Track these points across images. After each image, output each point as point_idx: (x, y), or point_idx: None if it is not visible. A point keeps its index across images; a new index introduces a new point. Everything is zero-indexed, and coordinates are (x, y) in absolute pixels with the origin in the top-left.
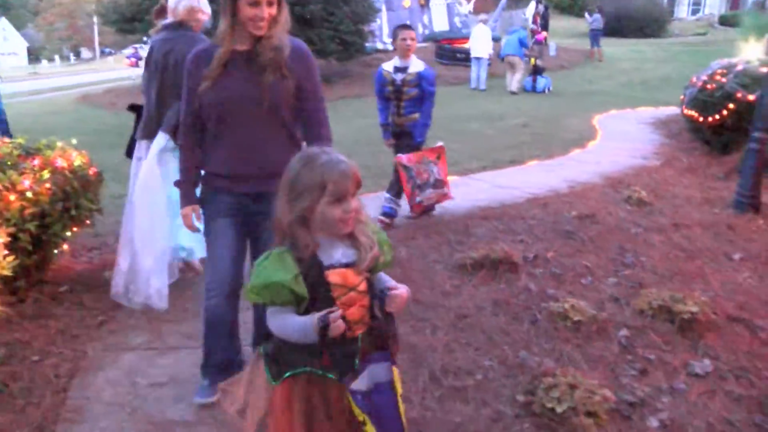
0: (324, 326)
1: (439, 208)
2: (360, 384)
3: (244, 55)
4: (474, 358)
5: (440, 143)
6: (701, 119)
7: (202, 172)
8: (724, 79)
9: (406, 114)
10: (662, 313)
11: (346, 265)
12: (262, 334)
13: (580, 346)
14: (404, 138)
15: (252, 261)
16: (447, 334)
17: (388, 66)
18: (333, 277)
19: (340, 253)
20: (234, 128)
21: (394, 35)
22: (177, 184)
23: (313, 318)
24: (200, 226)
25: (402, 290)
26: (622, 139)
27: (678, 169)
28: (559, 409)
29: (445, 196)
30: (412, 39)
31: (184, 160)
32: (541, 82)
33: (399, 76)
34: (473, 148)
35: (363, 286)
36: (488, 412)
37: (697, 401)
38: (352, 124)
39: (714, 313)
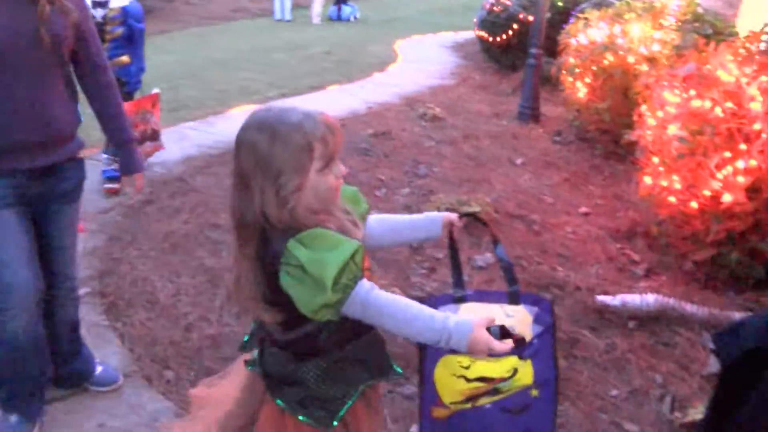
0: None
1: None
2: None
3: None
4: None
5: (156, 90)
6: (490, 40)
7: None
8: (508, 2)
9: (111, 57)
10: None
11: None
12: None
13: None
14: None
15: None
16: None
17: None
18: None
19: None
20: (4, 80)
21: None
22: None
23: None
24: None
25: None
26: (422, 62)
27: (471, 87)
28: None
29: (158, 148)
30: None
31: None
32: (346, 10)
33: (99, 12)
34: (275, 77)
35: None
36: None
37: (478, 288)
38: (154, 59)
39: (496, 212)
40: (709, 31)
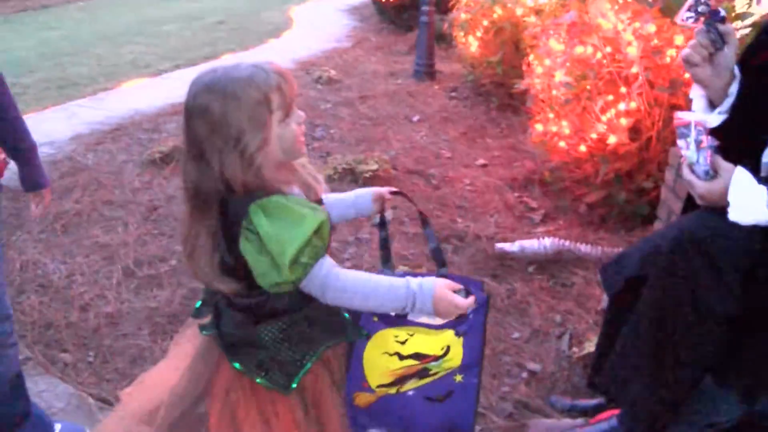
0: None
1: (129, 111)
2: None
3: None
4: (167, 246)
5: None
6: (384, 0)
7: None
8: None
9: None
10: (347, 174)
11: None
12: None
13: None
14: None
15: None
16: (138, 228)
17: None
18: None
19: (296, 192)
20: None
21: None
22: None
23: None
24: None
25: None
26: (317, 27)
27: (367, 48)
28: None
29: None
30: None
31: None
32: None
33: None
34: (167, 49)
35: None
36: (184, 291)
37: (406, 271)
38: (37, 36)
39: (394, 168)
40: None
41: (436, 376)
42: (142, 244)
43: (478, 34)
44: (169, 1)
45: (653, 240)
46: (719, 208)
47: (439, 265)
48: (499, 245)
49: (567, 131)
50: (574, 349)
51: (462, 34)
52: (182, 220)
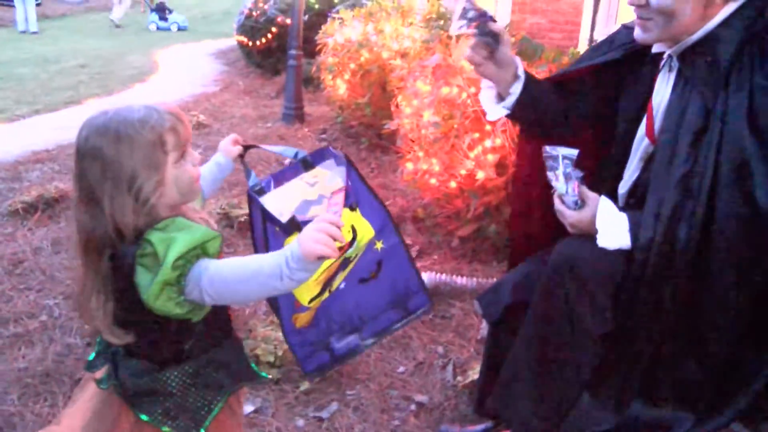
0: None
1: None
2: None
3: None
4: (36, 301)
5: None
6: (250, 44)
7: None
8: (266, 6)
9: None
10: (222, 219)
11: None
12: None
13: None
14: None
15: None
16: (2, 283)
17: None
18: None
19: None
20: None
21: None
22: None
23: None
24: None
25: None
26: (184, 71)
27: (235, 92)
28: None
29: None
30: None
31: None
32: (177, 19)
33: None
34: (22, 93)
35: None
36: (58, 348)
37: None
38: None
39: None
40: None
41: (357, 258)
42: (6, 301)
43: (346, 77)
44: (23, 42)
45: (525, 268)
46: (588, 235)
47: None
48: None
49: (437, 168)
50: (459, 378)
51: (330, 77)
52: (75, 270)
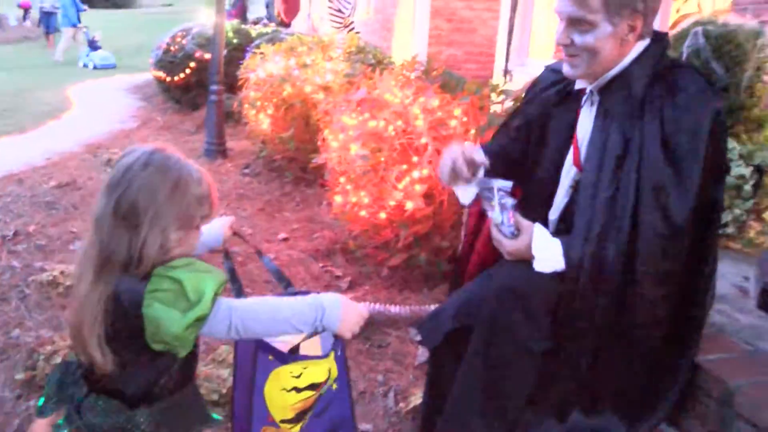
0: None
1: None
2: None
3: None
4: None
5: None
6: (168, 79)
7: None
8: (184, 41)
9: None
10: None
11: None
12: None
13: None
14: None
15: None
16: None
17: None
18: None
19: None
20: None
21: None
22: None
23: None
24: None
25: None
26: (100, 107)
27: (154, 128)
28: None
29: None
30: None
31: None
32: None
33: None
34: None
35: None
36: None
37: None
38: None
39: None
40: (372, 61)
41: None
42: None
43: (269, 111)
44: None
45: (465, 294)
46: (525, 261)
47: (285, 285)
48: None
49: (366, 201)
50: (401, 404)
51: (253, 112)
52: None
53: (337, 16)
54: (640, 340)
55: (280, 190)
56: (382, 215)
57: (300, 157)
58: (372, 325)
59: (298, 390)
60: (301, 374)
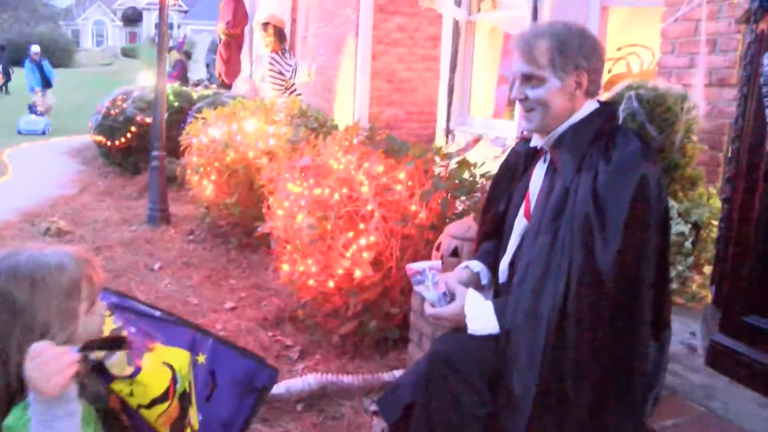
0: None
1: None
2: None
3: None
4: None
5: None
6: (109, 143)
7: None
8: (125, 105)
9: None
10: None
11: None
12: None
13: None
14: None
15: None
16: None
17: None
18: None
19: None
20: None
21: None
22: None
23: None
24: None
25: None
26: (37, 172)
27: (95, 194)
28: None
29: None
30: None
31: None
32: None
33: None
34: None
35: None
36: None
37: None
38: None
39: None
40: (315, 125)
41: (192, 386)
42: None
43: (213, 177)
44: None
45: (419, 365)
46: (463, 328)
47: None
48: None
49: (314, 269)
50: None
51: (196, 178)
52: None
53: (278, 78)
54: (576, 392)
55: (225, 256)
56: (331, 283)
57: (244, 222)
58: (324, 397)
59: (146, 407)
60: (132, 392)
